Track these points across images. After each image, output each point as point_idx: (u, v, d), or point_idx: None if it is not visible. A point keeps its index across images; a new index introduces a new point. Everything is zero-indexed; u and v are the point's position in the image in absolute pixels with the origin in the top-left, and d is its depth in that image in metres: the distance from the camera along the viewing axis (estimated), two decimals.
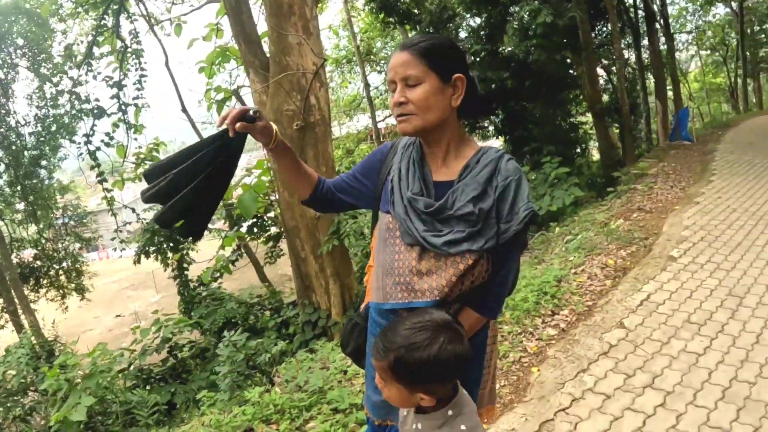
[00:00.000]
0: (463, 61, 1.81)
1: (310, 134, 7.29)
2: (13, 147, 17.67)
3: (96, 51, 12.15)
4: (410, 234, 1.75)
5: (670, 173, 12.13)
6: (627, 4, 20.91)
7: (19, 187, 18.72)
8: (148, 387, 7.62)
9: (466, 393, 1.66)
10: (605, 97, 19.59)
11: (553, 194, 11.21)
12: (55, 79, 15.82)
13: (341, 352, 5.18)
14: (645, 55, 22.56)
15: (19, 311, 16.22)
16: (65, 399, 5.67)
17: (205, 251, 11.61)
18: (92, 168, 12.14)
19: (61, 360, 6.41)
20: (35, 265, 20.19)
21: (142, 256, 11.31)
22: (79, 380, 5.88)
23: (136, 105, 11.82)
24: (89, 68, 12.26)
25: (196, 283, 10.91)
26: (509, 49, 16.31)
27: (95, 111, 11.97)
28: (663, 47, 23.38)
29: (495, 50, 16.75)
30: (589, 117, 19.41)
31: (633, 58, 22.45)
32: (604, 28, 18.60)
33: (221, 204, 11.43)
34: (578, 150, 19.50)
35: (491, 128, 18.62)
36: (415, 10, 17.30)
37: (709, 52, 39.89)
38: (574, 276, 6.18)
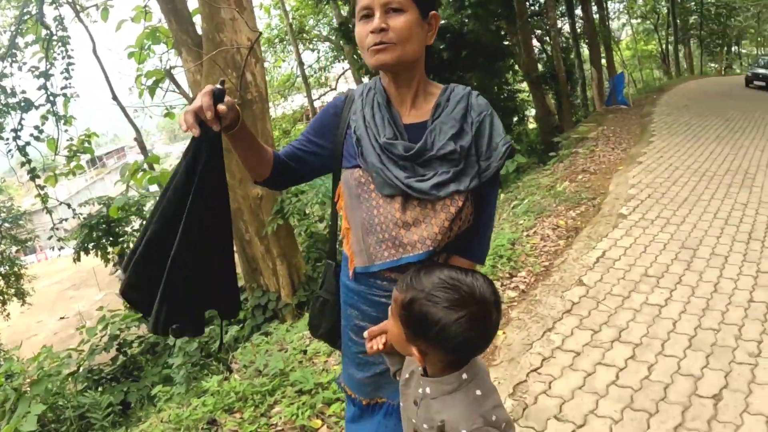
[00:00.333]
0: (438, 1, 1.66)
1: (247, 112, 7.02)
2: None
3: (20, 41, 11.48)
4: (390, 184, 1.57)
5: (610, 136, 12.29)
6: None
7: None
8: (100, 388, 7.27)
9: (480, 357, 1.49)
10: (540, 66, 19.81)
11: None
12: None
13: (298, 333, 5.06)
14: (578, 24, 22.84)
15: None
16: (14, 409, 5.33)
17: None
18: (23, 165, 11.50)
19: (5, 368, 6.04)
20: None
21: (82, 254, 10.85)
22: (27, 388, 5.54)
23: (64, 95, 11.17)
24: (14, 59, 11.57)
25: None
26: (444, 20, 16.24)
27: (22, 104, 11.28)
28: (596, 16, 23.66)
29: None
30: (525, 85, 19.58)
31: (567, 27, 22.74)
32: None
33: (158, 193, 11.07)
34: (516, 118, 19.72)
35: None
36: None
37: (640, 20, 40.82)
38: (527, 238, 6.12)
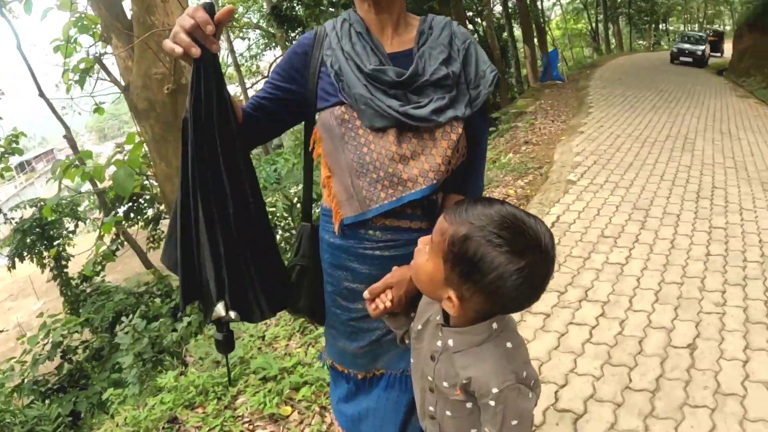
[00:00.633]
0: None
1: (182, 98, 6.65)
2: None
3: None
4: (382, 114, 1.38)
5: (548, 109, 12.37)
6: None
7: None
8: (47, 400, 6.91)
9: None
10: None
11: None
12: None
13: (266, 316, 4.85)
14: (510, 4, 23.05)
15: None
16: None
17: (81, 245, 10.72)
18: None
19: None
20: None
21: (17, 261, 10.28)
22: None
23: None
24: None
25: (79, 279, 10.03)
26: None
27: None
28: None
29: None
30: None
31: (499, 7, 22.92)
32: None
33: (91, 192, 10.61)
34: None
35: None
36: None
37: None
38: None
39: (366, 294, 1.41)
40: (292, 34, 15.18)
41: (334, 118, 1.44)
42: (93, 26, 7.85)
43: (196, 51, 1.25)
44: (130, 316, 5.62)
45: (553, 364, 3.07)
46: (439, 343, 1.25)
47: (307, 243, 1.68)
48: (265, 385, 3.31)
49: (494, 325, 1.18)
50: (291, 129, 2.15)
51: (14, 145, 10.54)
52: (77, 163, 6.58)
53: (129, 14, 7.03)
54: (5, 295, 30.77)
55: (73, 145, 11.40)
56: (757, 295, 3.83)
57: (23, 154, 10.38)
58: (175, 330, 5.79)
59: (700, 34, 31.10)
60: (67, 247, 10.47)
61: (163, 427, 3.17)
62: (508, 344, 1.18)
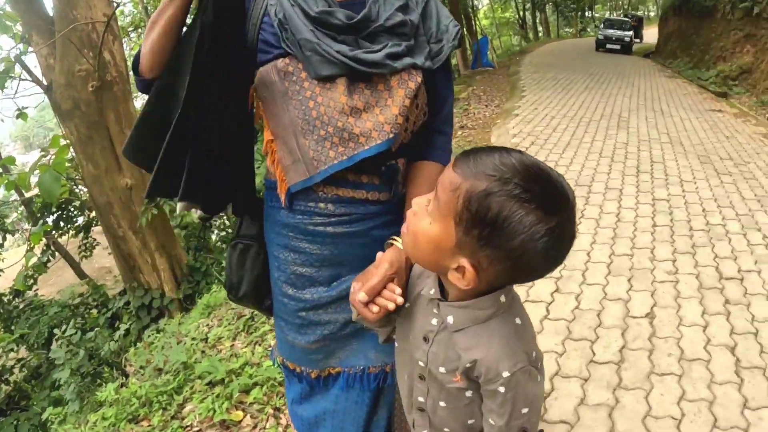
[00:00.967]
0: None
1: (108, 95, 6.35)
2: None
3: None
4: (330, 60, 1.21)
5: (481, 95, 12.39)
6: None
7: None
8: None
9: None
10: None
11: None
12: None
13: (194, 323, 4.62)
14: None
15: None
16: None
17: (11, 259, 10.18)
18: None
19: None
20: None
21: None
22: None
23: None
24: None
25: (11, 295, 9.53)
26: None
27: None
28: None
29: None
30: None
31: None
32: None
33: (18, 203, 10.12)
34: None
35: None
36: None
37: None
38: None
39: (362, 296, 1.13)
40: None
41: (276, 72, 1.25)
42: (14, 26, 7.42)
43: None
44: (64, 327, 5.29)
45: None
46: (434, 321, 1.07)
47: (248, 221, 1.49)
48: (213, 390, 3.10)
49: (502, 298, 1.00)
50: None
51: None
52: (0, 171, 6.22)
53: (51, 11, 6.67)
54: None
55: None
56: (707, 261, 3.85)
57: None
58: (113, 339, 5.51)
59: (625, 18, 30.03)
60: None
61: None
62: (517, 320, 1.02)
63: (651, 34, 29.53)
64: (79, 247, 10.28)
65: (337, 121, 1.22)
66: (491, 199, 0.85)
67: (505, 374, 0.96)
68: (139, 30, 22.42)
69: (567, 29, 46.89)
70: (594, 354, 2.79)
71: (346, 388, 1.43)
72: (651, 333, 2.95)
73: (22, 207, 10.07)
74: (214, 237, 9.91)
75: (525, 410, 0.99)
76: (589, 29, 45.01)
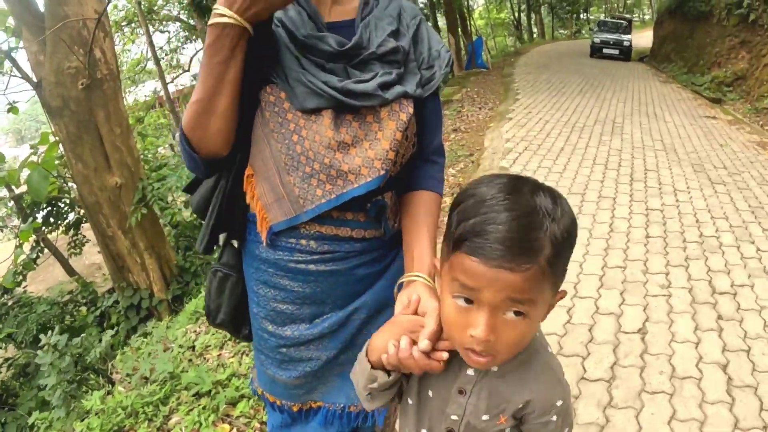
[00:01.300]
0: None
1: (98, 93, 6.28)
2: None
3: None
4: (316, 92, 1.13)
5: (474, 97, 12.37)
6: None
7: None
8: None
9: None
10: None
11: None
12: None
13: (181, 328, 4.56)
14: None
15: None
16: None
17: (0, 255, 10.10)
18: None
19: None
20: None
21: None
22: None
23: None
24: None
25: None
26: None
27: None
28: None
29: None
30: None
31: None
32: None
33: (8, 198, 10.02)
34: None
35: None
36: None
37: None
38: None
39: (426, 345, 0.95)
40: None
41: (262, 101, 1.19)
42: (6, 21, 7.35)
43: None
44: (49, 333, 5.23)
45: None
46: (470, 372, 0.98)
47: (230, 250, 1.42)
48: (199, 402, 3.06)
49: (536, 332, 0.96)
50: None
51: None
52: None
53: (41, 7, 6.61)
54: None
55: None
56: (700, 275, 3.83)
57: None
58: (100, 341, 5.45)
59: (620, 21, 27.38)
60: None
61: None
62: (549, 348, 1.02)
63: (644, 38, 29.10)
64: (69, 243, 10.21)
65: (324, 157, 1.16)
66: (574, 230, 0.86)
67: (559, 403, 0.97)
68: (133, 25, 22.30)
69: (562, 31, 46.92)
70: (585, 371, 2.76)
71: (324, 424, 1.39)
72: (643, 349, 2.92)
73: (12, 202, 9.97)
74: None
75: (567, 429, 1.02)
76: (584, 31, 45.05)
